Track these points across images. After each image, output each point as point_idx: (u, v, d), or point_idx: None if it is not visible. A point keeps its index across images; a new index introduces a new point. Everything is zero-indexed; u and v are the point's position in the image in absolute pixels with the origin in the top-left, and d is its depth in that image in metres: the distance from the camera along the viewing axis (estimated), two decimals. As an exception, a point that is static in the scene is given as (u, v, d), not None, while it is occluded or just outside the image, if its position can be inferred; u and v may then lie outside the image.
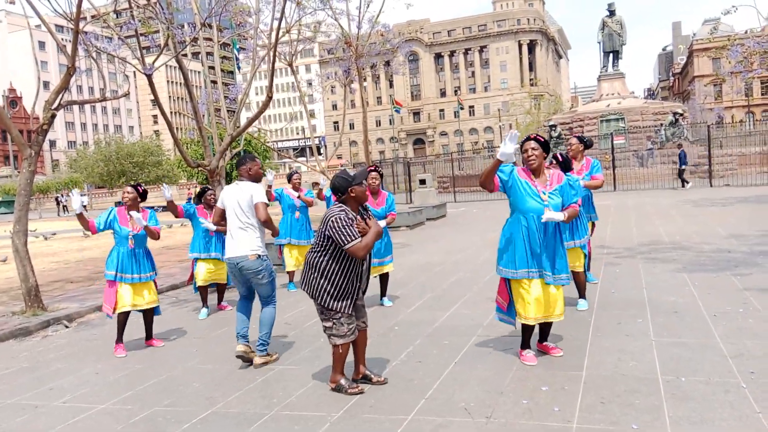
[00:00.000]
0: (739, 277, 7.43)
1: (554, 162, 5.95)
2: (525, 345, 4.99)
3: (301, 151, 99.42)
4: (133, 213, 6.11)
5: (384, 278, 7.52)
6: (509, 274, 4.83)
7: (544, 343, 5.09)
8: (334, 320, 4.52)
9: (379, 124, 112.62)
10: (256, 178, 5.67)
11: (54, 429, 4.33)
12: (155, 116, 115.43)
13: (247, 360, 5.42)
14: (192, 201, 8.81)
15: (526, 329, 4.94)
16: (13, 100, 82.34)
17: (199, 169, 11.53)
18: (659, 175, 26.88)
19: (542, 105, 77.50)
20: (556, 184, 4.81)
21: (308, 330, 6.54)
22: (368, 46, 18.28)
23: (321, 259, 4.52)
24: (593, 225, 7.41)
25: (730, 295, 6.55)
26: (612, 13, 39.35)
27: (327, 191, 8.07)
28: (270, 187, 8.09)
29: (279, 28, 11.26)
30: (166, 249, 15.35)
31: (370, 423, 3.98)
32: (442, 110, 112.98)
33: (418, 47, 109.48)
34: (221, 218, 5.77)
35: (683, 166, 24.75)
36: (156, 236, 6.34)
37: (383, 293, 7.55)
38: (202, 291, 7.94)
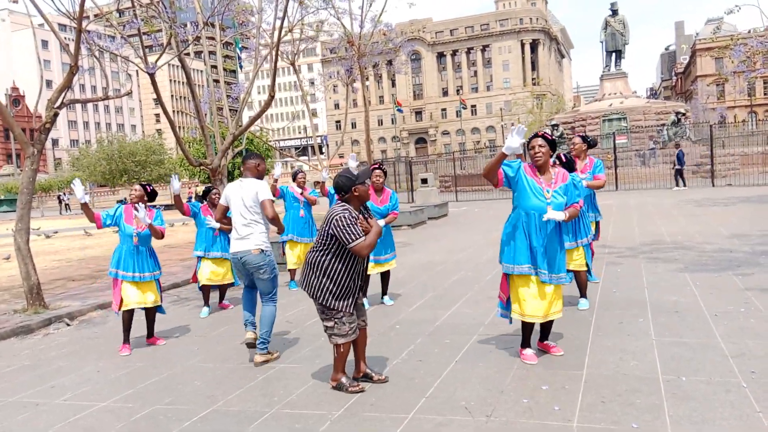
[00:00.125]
0: (740, 277, 7.42)
1: (557, 162, 5.95)
2: (525, 343, 4.99)
3: (303, 151, 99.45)
4: (140, 207, 6.09)
5: (385, 277, 7.52)
6: (508, 269, 4.84)
7: (545, 342, 5.09)
8: (336, 320, 4.52)
9: (381, 124, 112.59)
10: (262, 176, 5.72)
11: (55, 427, 4.34)
12: (158, 115, 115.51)
13: (255, 346, 5.46)
14: (193, 199, 8.84)
15: (526, 327, 4.94)
16: (16, 99, 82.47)
17: (201, 167, 11.55)
18: (661, 174, 26.84)
19: (545, 104, 77.41)
20: (561, 183, 4.82)
21: (309, 329, 6.55)
22: (370, 46, 18.30)
23: (323, 259, 4.51)
24: (597, 224, 7.40)
25: (732, 295, 6.54)
26: (615, 12, 39.29)
27: (330, 188, 8.07)
28: (276, 181, 8.10)
29: (281, 27, 11.26)
30: (168, 248, 15.36)
31: (371, 421, 3.99)
32: (444, 109, 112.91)
33: (420, 46, 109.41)
34: (224, 215, 5.79)
35: (681, 166, 24.69)
36: (160, 236, 6.36)
37: (384, 292, 7.56)
38: (205, 290, 7.95)
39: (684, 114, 34.09)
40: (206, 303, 7.93)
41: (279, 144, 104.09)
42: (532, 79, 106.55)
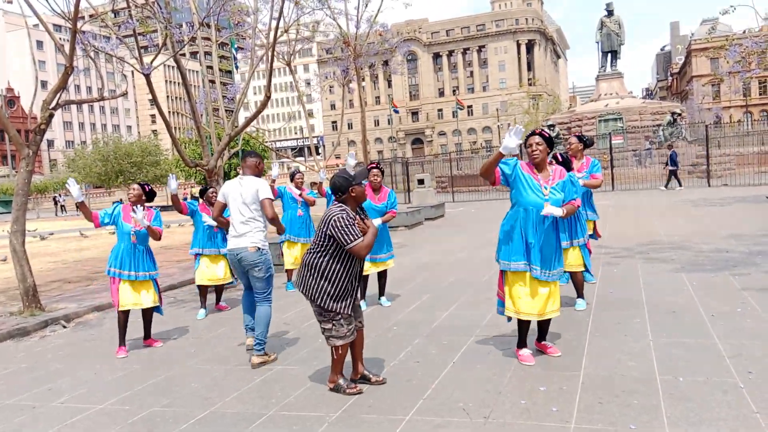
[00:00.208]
0: (737, 277, 7.44)
1: (554, 162, 5.96)
2: (521, 343, 4.98)
3: (299, 151, 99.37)
4: (138, 209, 6.11)
5: (382, 277, 7.52)
6: (505, 266, 4.85)
7: (543, 343, 5.09)
8: (334, 322, 4.50)
9: (378, 124, 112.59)
10: (261, 174, 5.75)
11: (52, 429, 4.33)
12: (153, 116, 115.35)
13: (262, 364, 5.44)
14: (189, 199, 8.85)
15: (522, 326, 4.94)
16: (11, 100, 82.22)
17: (198, 168, 11.52)
18: (657, 175, 26.90)
19: (541, 105, 77.53)
20: (558, 180, 4.83)
21: (307, 330, 6.54)
22: (366, 46, 18.29)
23: (321, 260, 4.49)
24: (594, 224, 7.40)
25: (729, 295, 6.55)
26: (610, 13, 39.38)
27: (328, 188, 8.07)
28: (273, 182, 8.11)
29: (277, 27, 11.25)
30: (164, 249, 15.32)
31: (369, 423, 3.98)
32: (440, 110, 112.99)
33: (416, 47, 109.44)
34: (221, 212, 5.79)
35: (674, 167, 24.73)
36: (158, 237, 6.37)
37: (381, 293, 7.55)
38: (202, 290, 7.94)
39: (680, 114, 34.17)
40: (203, 305, 7.90)
41: (275, 145, 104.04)
42: (528, 79, 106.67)
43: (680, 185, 24.53)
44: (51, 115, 8.62)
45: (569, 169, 5.78)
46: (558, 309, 4.92)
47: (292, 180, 9.15)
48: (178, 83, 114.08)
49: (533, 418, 3.84)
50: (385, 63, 31.01)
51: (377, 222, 6.84)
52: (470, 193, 28.90)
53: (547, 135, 4.88)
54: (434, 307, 7.14)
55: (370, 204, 7.08)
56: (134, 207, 6.22)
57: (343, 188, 4.51)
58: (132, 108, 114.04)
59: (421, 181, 25.59)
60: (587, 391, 4.19)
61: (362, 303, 7.48)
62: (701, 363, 4.57)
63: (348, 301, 4.52)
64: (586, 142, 7.12)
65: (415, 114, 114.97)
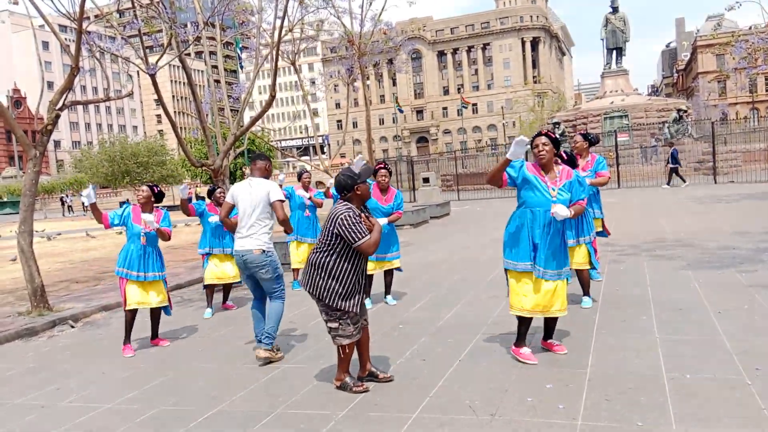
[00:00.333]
0: (744, 274, 7.41)
1: (559, 161, 5.95)
2: (520, 340, 4.93)
3: (304, 150, 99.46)
4: (146, 216, 6.20)
5: (389, 276, 7.53)
6: (509, 266, 4.86)
7: (549, 341, 5.08)
8: (341, 321, 4.51)
9: (383, 123, 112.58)
10: (269, 176, 5.81)
11: (60, 429, 4.35)
12: (159, 116, 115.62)
13: (268, 362, 5.46)
14: (194, 200, 8.90)
15: (522, 323, 4.91)
16: (18, 101, 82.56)
17: (203, 168, 11.55)
18: (663, 172, 26.79)
19: (546, 102, 77.40)
20: (565, 180, 4.82)
21: (313, 329, 6.56)
22: (371, 45, 18.28)
23: (328, 259, 4.49)
24: (602, 222, 7.38)
25: (735, 292, 6.53)
26: (615, 9, 39.25)
27: (334, 189, 8.08)
28: (281, 186, 8.13)
29: (282, 26, 11.26)
30: (171, 249, 15.36)
31: (376, 421, 3.99)
32: (445, 108, 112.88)
33: (420, 45, 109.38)
34: (228, 213, 5.82)
35: (675, 165, 24.65)
36: (167, 238, 6.42)
37: (387, 291, 7.56)
38: (209, 290, 7.98)
39: (685, 111, 34.05)
40: (209, 304, 7.94)
41: (280, 144, 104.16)
42: (533, 77, 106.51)
43: (684, 181, 24.43)
44: (57, 116, 8.66)
45: (574, 166, 5.78)
46: (565, 308, 4.91)
47: (299, 180, 9.18)
48: (184, 83, 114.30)
49: (540, 416, 3.84)
50: (390, 61, 30.97)
51: (383, 222, 6.86)
52: (475, 191, 28.85)
53: (554, 136, 4.88)
54: (440, 305, 7.15)
55: (377, 205, 7.09)
56: (142, 215, 6.25)
57: (348, 186, 4.52)
58: (138, 108, 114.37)
59: (426, 180, 25.58)
60: (594, 389, 4.19)
61: (368, 301, 7.51)
62: (708, 360, 4.56)
63: (356, 299, 4.53)
64: (591, 140, 7.12)
65: (419, 112, 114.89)
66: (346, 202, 4.51)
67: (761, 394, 3.88)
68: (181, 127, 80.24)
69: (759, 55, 18.92)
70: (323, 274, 4.49)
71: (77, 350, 6.66)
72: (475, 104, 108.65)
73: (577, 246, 6.32)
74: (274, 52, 11.59)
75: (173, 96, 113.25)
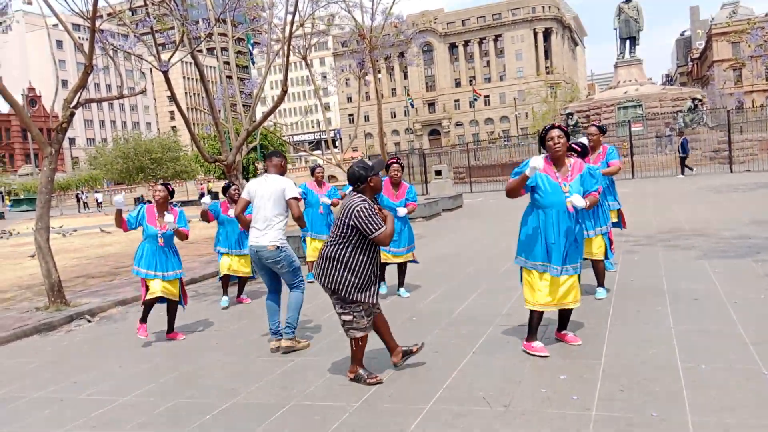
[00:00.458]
0: (760, 263, 7.34)
1: (573, 154, 5.91)
2: (531, 334, 4.90)
3: (316, 145, 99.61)
4: (167, 218, 6.30)
5: (402, 269, 7.55)
6: (521, 262, 4.86)
7: (563, 332, 5.07)
8: (355, 313, 4.52)
9: (394, 116, 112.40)
10: (285, 173, 5.89)
11: (78, 421, 4.42)
12: (172, 112, 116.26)
13: (290, 351, 5.56)
14: (206, 195, 8.99)
15: (533, 317, 4.88)
16: (33, 99, 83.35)
17: (216, 163, 11.61)
18: (678, 161, 26.56)
19: (558, 93, 76.88)
20: (577, 174, 4.79)
21: (327, 321, 6.59)
22: (382, 38, 18.25)
23: (343, 251, 4.49)
24: (619, 213, 7.34)
25: (751, 282, 6.47)
26: (628, -2, 38.81)
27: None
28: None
29: (293, 21, 11.27)
30: (186, 244, 15.46)
31: (389, 413, 4.01)
32: (457, 100, 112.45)
33: (432, 38, 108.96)
34: (244, 209, 5.87)
35: (685, 154, 24.53)
36: (185, 237, 6.51)
37: (400, 284, 7.58)
38: (224, 280, 8.13)
39: (700, 100, 33.66)
40: (225, 292, 8.11)
41: (292, 139, 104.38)
42: (546, 67, 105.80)
43: (691, 170, 24.31)
44: (72, 114, 8.75)
45: (585, 155, 5.74)
46: (578, 300, 4.89)
47: (312, 174, 9.21)
48: (196, 79, 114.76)
49: (554, 407, 3.84)
50: (401, 55, 30.88)
51: (402, 212, 6.93)
52: (488, 183, 28.77)
53: (565, 128, 4.85)
54: (453, 297, 7.15)
55: (389, 202, 7.10)
56: (164, 219, 6.34)
57: (362, 178, 4.53)
58: (151, 105, 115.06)
59: (438, 172, 25.53)
60: (608, 379, 4.18)
61: (383, 286, 7.56)
62: (724, 350, 4.53)
63: (372, 291, 4.55)
64: (603, 130, 7.13)
65: (431, 105, 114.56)
66: (359, 194, 4.52)
67: (778, 384, 3.85)
68: (194, 123, 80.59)
69: (775, 42, 18.65)
70: (338, 266, 4.49)
71: (94, 344, 6.75)
72: (486, 96, 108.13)
73: (594, 237, 6.28)
74: (286, 47, 11.62)
75: (186, 92, 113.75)
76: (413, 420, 3.85)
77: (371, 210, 4.40)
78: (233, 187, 8.17)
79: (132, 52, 10.50)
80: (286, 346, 5.52)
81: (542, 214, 4.73)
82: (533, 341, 4.90)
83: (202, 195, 55.26)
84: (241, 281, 8.32)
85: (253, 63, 26.44)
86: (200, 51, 12.82)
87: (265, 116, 11.55)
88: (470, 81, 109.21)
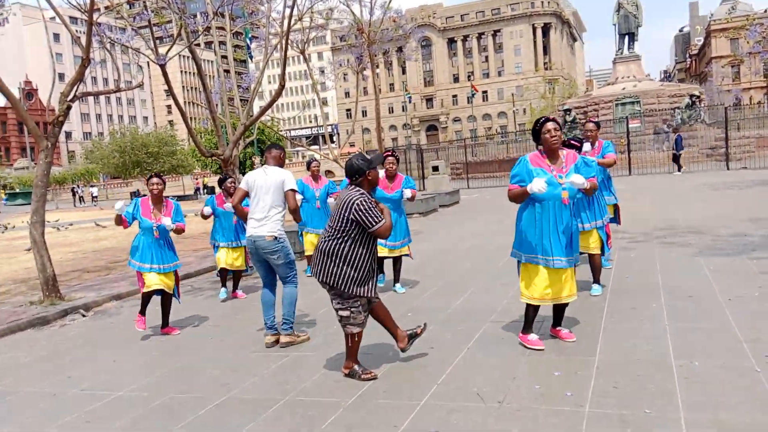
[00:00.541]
0: (755, 261, 7.35)
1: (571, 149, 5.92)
2: (527, 327, 4.95)
3: (314, 140, 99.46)
4: (164, 221, 6.32)
5: (397, 264, 7.55)
6: (518, 256, 4.89)
7: (558, 328, 5.08)
8: (353, 309, 4.52)
9: (392, 111, 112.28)
10: (283, 165, 5.92)
11: (73, 416, 4.41)
12: (169, 106, 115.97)
13: (288, 345, 5.59)
14: (201, 190, 9.05)
15: (530, 311, 4.92)
16: (29, 92, 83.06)
17: (213, 158, 11.58)
18: (671, 158, 26.60)
19: (557, 89, 76.89)
20: (571, 164, 4.79)
21: (322, 317, 6.59)
22: (380, 33, 18.19)
23: (342, 246, 4.47)
24: (616, 207, 7.37)
25: (746, 280, 6.49)
26: (628, -6, 38.74)
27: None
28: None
29: (291, 15, 11.23)
30: (181, 238, 15.46)
31: (384, 408, 4.02)
32: (455, 96, 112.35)
33: (430, 32, 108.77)
34: (242, 200, 5.88)
35: (680, 151, 24.64)
36: (181, 231, 6.51)
37: (396, 279, 7.58)
38: (223, 273, 8.18)
39: (698, 96, 33.67)
40: (223, 284, 8.18)
41: (290, 133, 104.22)
42: (544, 63, 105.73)
43: (679, 170, 24.51)
44: (69, 107, 8.71)
45: (579, 150, 5.75)
46: (575, 293, 4.90)
47: (308, 169, 9.20)
48: (193, 73, 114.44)
49: (548, 403, 3.84)
50: (399, 49, 30.84)
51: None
52: (485, 179, 28.77)
53: (559, 122, 4.87)
54: (449, 293, 7.15)
55: (383, 194, 7.12)
56: (162, 221, 6.35)
57: (361, 171, 4.52)
58: (148, 99, 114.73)
59: (435, 168, 25.53)
60: (602, 376, 4.18)
61: (381, 277, 7.61)
62: (718, 347, 4.54)
63: (371, 284, 4.55)
64: (599, 125, 7.19)
65: (429, 100, 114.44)
66: (357, 188, 4.52)
67: (771, 381, 3.86)
68: (191, 117, 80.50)
69: (773, 39, 18.65)
70: (337, 261, 4.48)
71: (89, 339, 6.74)
72: (485, 91, 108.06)
73: (591, 230, 6.28)
74: (284, 42, 11.58)
75: (183, 86, 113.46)
76: (408, 415, 3.85)
77: (371, 203, 4.41)
78: (229, 180, 8.19)
79: (129, 46, 10.45)
80: (286, 341, 5.55)
81: (539, 207, 4.73)
82: (528, 334, 4.94)
83: (197, 189, 55.00)
84: (236, 276, 8.33)
85: (251, 57, 26.36)
86: (198, 45, 12.76)
87: (263, 111, 11.51)
88: (468, 76, 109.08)
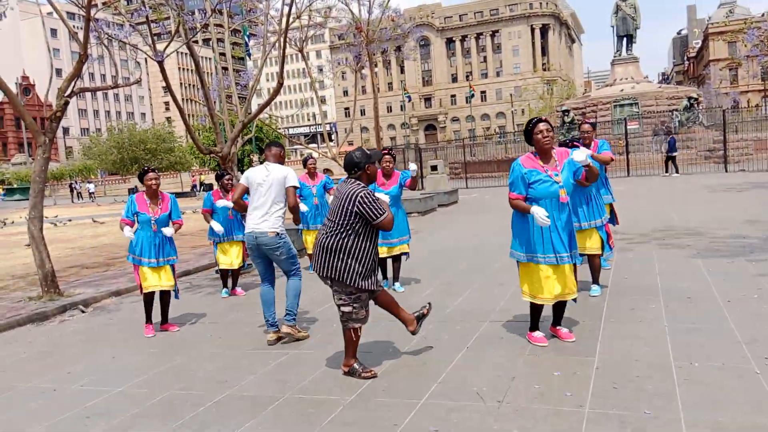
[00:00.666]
0: (753, 263, 7.37)
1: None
2: (534, 327, 5.02)
3: (312, 138, 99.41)
4: (165, 231, 6.36)
5: (397, 263, 7.55)
6: (516, 256, 4.90)
7: (557, 327, 5.09)
8: (355, 305, 4.52)
9: (390, 110, 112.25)
10: (283, 162, 5.95)
11: (71, 412, 4.40)
12: (167, 103, 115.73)
13: (288, 336, 5.63)
14: (198, 187, 9.07)
15: (535, 310, 4.96)
16: (27, 88, 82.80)
17: (211, 155, 11.56)
18: (664, 161, 26.64)
19: (555, 90, 76.91)
20: (564, 161, 4.81)
21: (321, 315, 6.59)
22: (379, 32, 18.17)
23: (346, 240, 4.46)
24: (611, 207, 7.37)
25: (745, 281, 6.50)
26: (626, -4, 38.77)
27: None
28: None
29: (289, 13, 11.21)
30: (180, 235, 15.41)
31: (383, 407, 4.01)
32: (453, 96, 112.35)
33: (429, 32, 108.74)
34: (242, 195, 5.89)
35: (673, 153, 24.74)
36: (178, 228, 6.53)
37: (396, 278, 7.59)
38: (223, 273, 8.20)
39: (696, 99, 33.73)
40: (225, 285, 8.19)
41: (288, 131, 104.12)
42: (543, 64, 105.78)
43: (667, 172, 24.70)
44: (66, 103, 8.69)
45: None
46: (575, 291, 4.91)
47: (305, 166, 9.19)
48: (191, 70, 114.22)
49: (547, 403, 3.85)
50: (398, 49, 30.81)
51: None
52: (484, 179, 28.80)
53: (550, 122, 4.90)
54: (447, 292, 7.16)
55: (380, 190, 7.14)
56: (162, 231, 6.37)
57: (360, 164, 4.53)
58: (146, 95, 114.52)
59: (434, 168, 25.53)
60: (601, 376, 4.19)
61: (384, 282, 7.63)
62: (716, 348, 4.55)
63: (374, 278, 4.58)
64: (595, 126, 7.21)
65: (428, 100, 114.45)
66: (357, 181, 4.52)
67: (770, 383, 3.87)
68: (189, 115, 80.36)
69: (772, 42, 18.70)
70: (342, 255, 4.46)
71: (87, 335, 6.73)
72: (483, 92, 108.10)
73: (588, 230, 6.28)
74: (282, 39, 11.55)
75: (181, 83, 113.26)
76: (407, 414, 3.85)
77: (373, 196, 4.42)
78: (227, 177, 8.17)
79: (127, 42, 10.42)
80: (286, 332, 5.57)
81: (536, 205, 4.73)
82: (534, 331, 5.01)
83: (194, 187, 54.94)
84: (234, 274, 8.32)
85: (249, 55, 26.32)
86: (196, 42, 12.74)
87: (261, 108, 11.50)
88: (467, 76, 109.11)
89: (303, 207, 7.59)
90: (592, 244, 6.30)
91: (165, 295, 6.54)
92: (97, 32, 9.61)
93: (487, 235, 11.67)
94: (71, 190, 55.41)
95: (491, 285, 7.34)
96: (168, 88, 10.37)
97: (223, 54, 18.08)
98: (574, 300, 5.03)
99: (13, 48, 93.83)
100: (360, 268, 4.47)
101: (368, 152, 4.62)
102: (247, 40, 24.08)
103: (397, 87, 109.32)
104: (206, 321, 6.90)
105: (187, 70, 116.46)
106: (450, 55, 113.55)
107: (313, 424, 3.84)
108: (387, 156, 7.39)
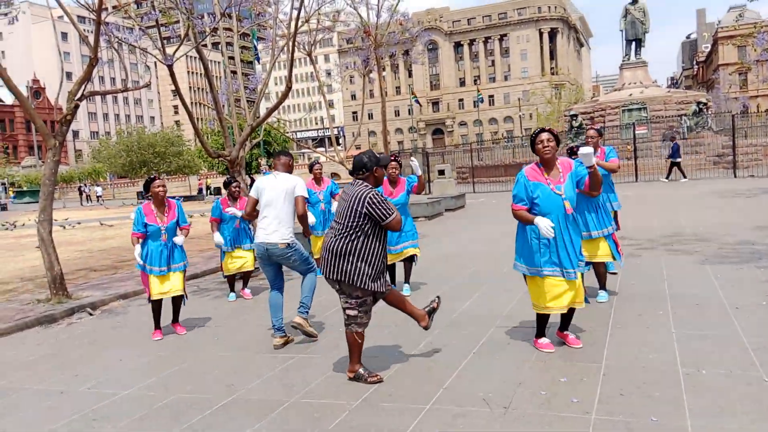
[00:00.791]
0: (763, 269, 7.32)
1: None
2: (540, 334, 5.00)
3: (320, 142, 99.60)
4: (176, 240, 6.43)
5: (408, 264, 7.57)
6: (521, 269, 4.90)
7: (565, 333, 5.07)
8: (360, 309, 4.53)
9: (398, 114, 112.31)
10: (292, 171, 6.00)
11: (79, 414, 4.43)
12: (176, 106, 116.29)
13: (299, 328, 5.65)
14: (204, 191, 9.10)
15: (542, 318, 4.94)
16: (37, 91, 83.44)
17: (220, 158, 11.61)
18: (682, 165, 26.50)
19: (563, 94, 76.72)
20: (568, 173, 4.79)
21: (328, 319, 6.59)
22: (387, 36, 18.21)
23: (356, 242, 4.46)
24: (615, 214, 7.35)
25: (753, 288, 6.46)
26: (635, 0, 38.68)
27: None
28: None
29: (298, 17, 11.25)
30: (187, 239, 15.49)
31: (389, 412, 4.01)
32: (461, 100, 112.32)
33: (437, 36, 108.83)
34: (254, 208, 5.89)
35: (677, 159, 24.57)
36: (187, 233, 6.56)
37: (407, 278, 7.62)
38: (230, 279, 8.23)
39: (705, 104, 33.56)
40: (232, 289, 8.22)
41: (296, 135, 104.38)
42: (551, 68, 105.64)
43: (668, 178, 24.48)
44: (76, 106, 8.75)
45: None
46: (582, 300, 4.90)
47: (311, 171, 9.22)
48: (200, 74, 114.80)
49: (553, 409, 3.84)
50: (406, 53, 30.85)
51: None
52: (491, 183, 28.76)
53: (555, 132, 4.87)
54: (454, 297, 7.15)
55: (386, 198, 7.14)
56: (173, 242, 6.42)
57: (368, 166, 4.55)
58: (155, 99, 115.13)
59: (441, 172, 25.52)
60: (608, 383, 4.17)
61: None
62: (724, 355, 4.53)
63: (383, 279, 4.58)
64: (600, 132, 7.17)
65: (435, 104, 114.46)
66: (365, 183, 4.53)
67: (778, 391, 3.84)
68: (197, 118, 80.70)
69: (782, 46, 18.58)
70: (350, 257, 4.46)
71: (95, 337, 6.76)
72: (491, 96, 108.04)
73: (599, 239, 6.24)
74: (290, 43, 11.60)
75: (190, 87, 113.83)
76: (413, 419, 3.85)
77: (382, 196, 4.44)
78: (234, 184, 8.18)
79: (137, 46, 10.49)
80: (298, 323, 5.60)
81: (540, 217, 4.71)
82: (540, 338, 5.00)
83: (200, 190, 55.02)
84: (246, 275, 8.36)
85: (258, 59, 26.42)
86: (205, 45, 12.80)
87: (269, 112, 11.54)
88: (475, 80, 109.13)
89: (312, 219, 7.58)
90: (599, 252, 6.25)
91: (176, 297, 6.58)
92: (108, 36, 9.68)
93: (494, 240, 11.65)
94: (80, 193, 55.75)
95: (498, 290, 7.33)
96: (177, 92, 10.42)
97: (232, 58, 18.16)
98: (586, 301, 5.03)
99: (24, 51, 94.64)
100: (369, 270, 4.48)
101: (377, 155, 4.64)
102: (255, 43, 24.20)
103: (405, 91, 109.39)
104: (213, 324, 6.92)
105: (196, 73, 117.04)
106: (458, 59, 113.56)
107: (320, 428, 3.84)
108: (393, 162, 7.37)
